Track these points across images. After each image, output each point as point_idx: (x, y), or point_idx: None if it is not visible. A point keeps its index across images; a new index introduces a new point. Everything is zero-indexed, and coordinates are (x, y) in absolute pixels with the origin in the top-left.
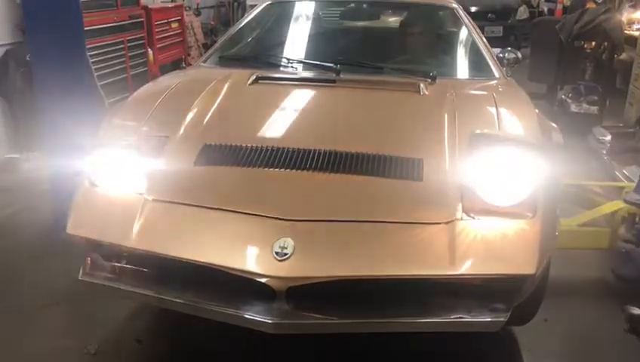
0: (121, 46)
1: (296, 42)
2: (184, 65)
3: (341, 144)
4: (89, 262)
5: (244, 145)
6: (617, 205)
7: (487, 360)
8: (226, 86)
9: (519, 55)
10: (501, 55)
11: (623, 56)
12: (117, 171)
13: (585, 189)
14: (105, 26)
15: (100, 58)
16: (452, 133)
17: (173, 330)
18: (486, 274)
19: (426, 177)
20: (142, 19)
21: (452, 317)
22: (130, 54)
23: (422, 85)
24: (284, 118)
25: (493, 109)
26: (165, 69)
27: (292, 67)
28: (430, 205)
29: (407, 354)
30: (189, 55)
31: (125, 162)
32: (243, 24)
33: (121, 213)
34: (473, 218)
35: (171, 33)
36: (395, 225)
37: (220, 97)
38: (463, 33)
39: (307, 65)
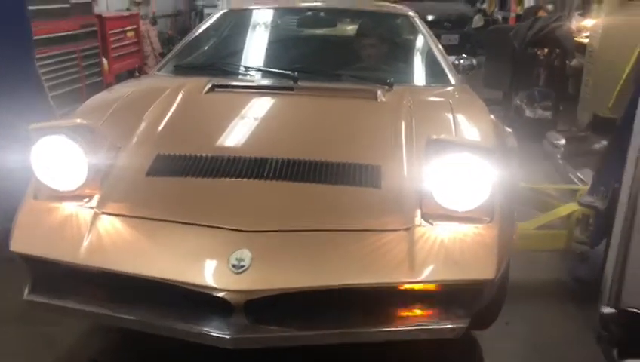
0: (74, 56)
1: (254, 50)
2: (137, 74)
3: (298, 152)
4: (35, 280)
5: (198, 154)
6: (572, 207)
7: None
8: (180, 94)
9: (474, 62)
10: (457, 62)
11: (574, 62)
12: (63, 165)
13: (540, 192)
14: (56, 35)
15: (52, 68)
16: (409, 140)
17: (131, 348)
18: (445, 279)
19: (384, 184)
20: (95, 29)
21: (412, 325)
22: (83, 64)
23: (379, 92)
24: (240, 126)
25: (449, 116)
26: (121, 79)
27: (249, 75)
28: (389, 212)
29: (365, 356)
30: (145, 64)
31: (72, 154)
32: (199, 32)
33: (68, 227)
34: (431, 224)
35: (127, 42)
36: (353, 233)
37: (174, 106)
38: (420, 41)
39: (264, 73)
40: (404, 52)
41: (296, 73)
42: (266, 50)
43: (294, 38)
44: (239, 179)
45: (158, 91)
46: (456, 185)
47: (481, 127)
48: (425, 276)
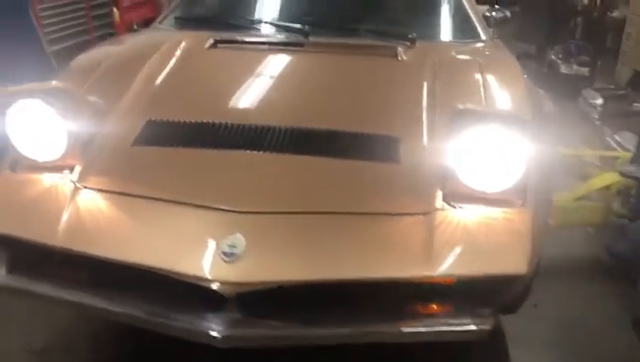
0: (82, 5)
1: (260, 1)
2: (136, 27)
3: (304, 119)
4: (8, 263)
5: (192, 121)
6: (612, 178)
7: (473, 350)
8: (179, 50)
9: (508, 14)
10: (488, 14)
11: (616, 13)
12: (40, 133)
13: (577, 158)
14: None
15: (58, 19)
16: (432, 107)
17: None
18: (469, 275)
19: (403, 159)
20: None
21: (428, 325)
22: (92, 14)
23: (399, 49)
24: (242, 88)
25: (478, 78)
26: (134, 30)
27: (255, 29)
28: (406, 192)
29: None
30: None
31: (49, 120)
32: None
33: (45, 202)
34: (454, 207)
35: None
36: (364, 217)
37: (171, 64)
38: None
39: (272, 27)
40: (427, 2)
41: (306, 27)
42: (273, 1)
43: None
44: (236, 151)
45: (154, 47)
46: (485, 163)
47: (514, 93)
48: (444, 270)
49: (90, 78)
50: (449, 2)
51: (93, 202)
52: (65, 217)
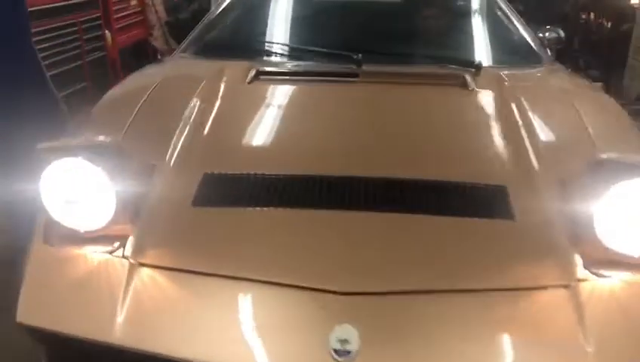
0: (75, 28)
1: (297, 24)
2: (159, 56)
3: (389, 167)
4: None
5: (258, 173)
6: None
7: None
8: (221, 86)
9: (562, 34)
10: (540, 35)
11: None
12: (83, 197)
13: None
14: (54, 5)
15: (50, 44)
16: (535, 148)
17: None
18: None
19: (518, 214)
20: None
21: None
22: (85, 37)
23: (468, 78)
24: (302, 130)
25: (573, 112)
26: (125, 53)
27: (296, 57)
28: (534, 258)
29: None
30: (151, 35)
31: (94, 181)
32: (227, 3)
33: (95, 288)
34: (600, 276)
35: (130, 11)
36: (495, 294)
37: (217, 104)
38: (498, 8)
39: (316, 55)
40: (483, 23)
41: (359, 55)
42: (312, 23)
43: (348, 7)
44: (321, 211)
45: (192, 82)
46: (632, 221)
47: (624, 130)
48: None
49: (127, 123)
50: (503, 23)
51: (155, 285)
52: (122, 306)
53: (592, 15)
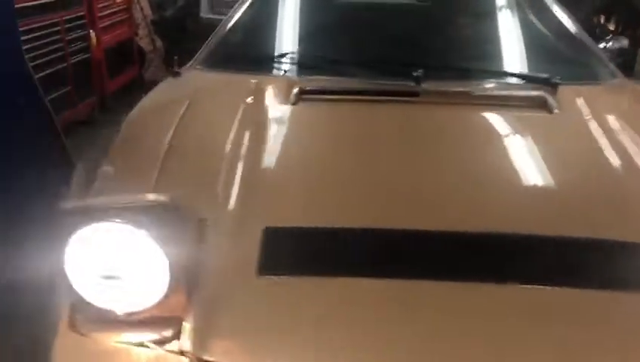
0: (57, 28)
1: (336, 31)
2: (177, 69)
3: (487, 216)
4: None
5: (327, 226)
6: None
7: None
8: (263, 111)
9: (625, 43)
10: (604, 44)
11: None
12: (123, 270)
13: None
14: (35, 2)
15: (31, 45)
16: None
17: None
18: None
19: None
20: None
21: None
22: (68, 37)
23: (549, 98)
24: (365, 163)
25: None
26: (111, 54)
27: (337, 71)
28: None
29: None
30: (136, 35)
31: (140, 250)
32: (246, 6)
33: None
34: None
35: (115, 9)
36: None
37: (262, 133)
38: (558, 16)
39: (362, 69)
40: (553, 35)
41: (419, 71)
42: (358, 31)
43: (398, 13)
44: (414, 281)
45: (228, 106)
46: None
47: None
48: None
49: (156, 166)
50: (575, 36)
51: None
52: None
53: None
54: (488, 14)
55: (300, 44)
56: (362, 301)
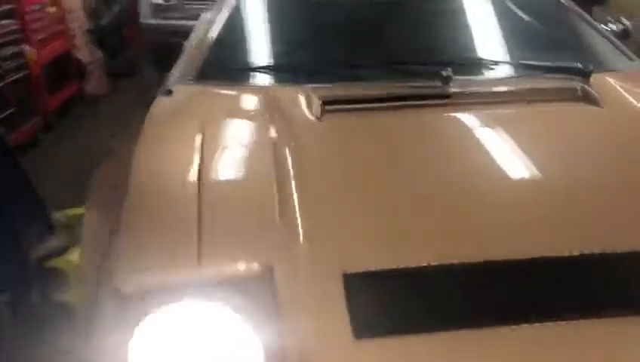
0: None
1: (344, 31)
2: (169, 89)
3: (611, 233)
4: None
5: (412, 266)
6: None
7: None
8: (292, 132)
9: (629, 25)
10: (605, 28)
11: None
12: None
13: None
14: None
15: None
16: None
17: None
18: None
19: None
20: (12, 6)
21: None
22: (2, 55)
23: (592, 90)
24: (435, 182)
25: None
26: (48, 69)
27: (352, 76)
28: None
29: None
30: (74, 46)
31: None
32: (236, 8)
33: None
34: None
35: (50, 21)
36: None
37: (302, 161)
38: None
39: (379, 72)
40: (572, 21)
41: (448, 69)
42: (368, 28)
43: (409, 9)
44: (577, 320)
45: (249, 132)
46: None
47: None
48: None
49: (193, 217)
50: (589, 24)
51: None
52: None
53: None
54: (506, 7)
55: (308, 49)
56: (497, 354)
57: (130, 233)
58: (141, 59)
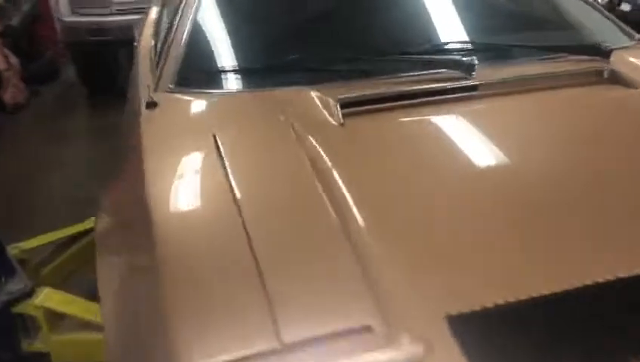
0: None
1: (348, 21)
2: (152, 100)
3: None
4: None
5: (510, 301)
6: None
7: None
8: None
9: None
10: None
11: None
12: None
13: None
14: None
15: None
16: None
17: None
18: None
19: None
20: None
21: None
22: None
23: (624, 71)
24: (504, 193)
25: None
26: None
27: (364, 69)
28: None
29: None
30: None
31: None
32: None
33: None
34: None
35: None
36: None
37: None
38: None
39: (392, 63)
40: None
41: (473, 58)
42: (376, 16)
43: None
44: None
45: (272, 149)
46: None
47: None
48: None
49: (252, 271)
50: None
51: None
52: None
53: None
54: None
55: (311, 43)
56: None
57: (179, 317)
58: (63, 61)
